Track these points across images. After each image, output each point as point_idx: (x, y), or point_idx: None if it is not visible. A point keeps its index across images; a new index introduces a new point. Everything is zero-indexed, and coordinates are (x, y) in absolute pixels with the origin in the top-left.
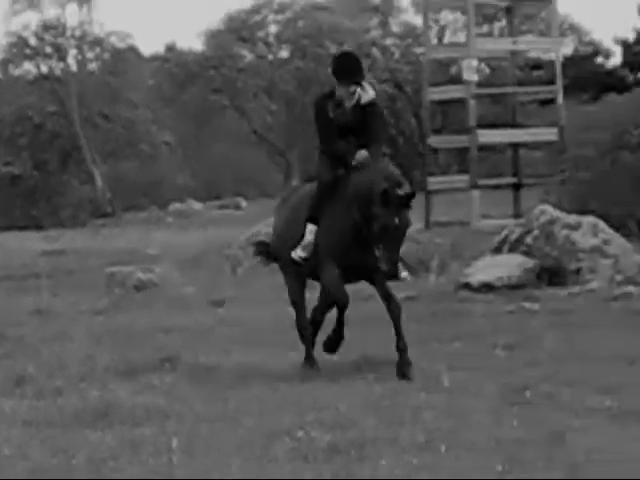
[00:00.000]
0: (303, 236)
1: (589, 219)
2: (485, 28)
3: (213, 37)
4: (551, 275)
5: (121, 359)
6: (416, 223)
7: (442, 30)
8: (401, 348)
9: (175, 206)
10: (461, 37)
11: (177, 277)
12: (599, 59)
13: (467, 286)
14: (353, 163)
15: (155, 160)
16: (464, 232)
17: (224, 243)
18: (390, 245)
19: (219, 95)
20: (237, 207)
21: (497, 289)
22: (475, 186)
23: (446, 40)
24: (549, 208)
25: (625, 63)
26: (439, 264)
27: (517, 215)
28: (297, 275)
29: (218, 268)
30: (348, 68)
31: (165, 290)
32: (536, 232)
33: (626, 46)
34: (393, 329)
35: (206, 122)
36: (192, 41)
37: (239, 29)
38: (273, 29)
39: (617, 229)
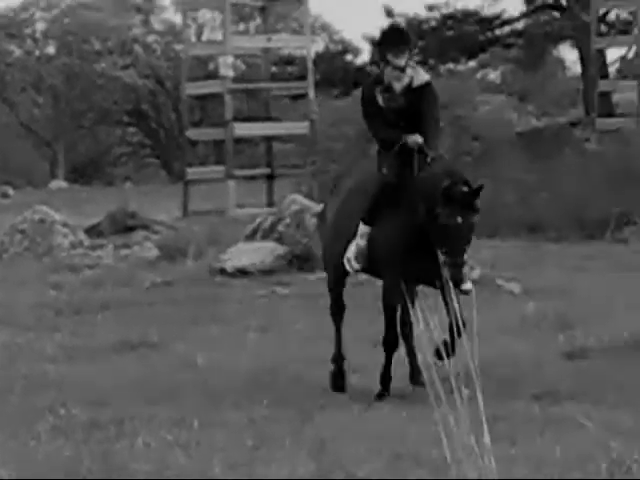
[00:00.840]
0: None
1: None
2: (241, 26)
3: None
4: (302, 261)
5: None
6: (174, 211)
7: (200, 28)
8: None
9: None
10: (218, 35)
11: None
12: (348, 56)
13: (223, 271)
14: (408, 144)
15: None
16: (221, 220)
17: None
18: (453, 247)
19: None
20: (5, 195)
21: (251, 274)
22: (231, 176)
23: (204, 38)
24: (300, 197)
25: (373, 61)
26: (196, 250)
27: (270, 204)
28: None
29: None
30: (395, 39)
31: None
32: (288, 220)
33: (374, 44)
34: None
35: None
36: None
37: (7, 25)
38: (41, 26)
39: None
